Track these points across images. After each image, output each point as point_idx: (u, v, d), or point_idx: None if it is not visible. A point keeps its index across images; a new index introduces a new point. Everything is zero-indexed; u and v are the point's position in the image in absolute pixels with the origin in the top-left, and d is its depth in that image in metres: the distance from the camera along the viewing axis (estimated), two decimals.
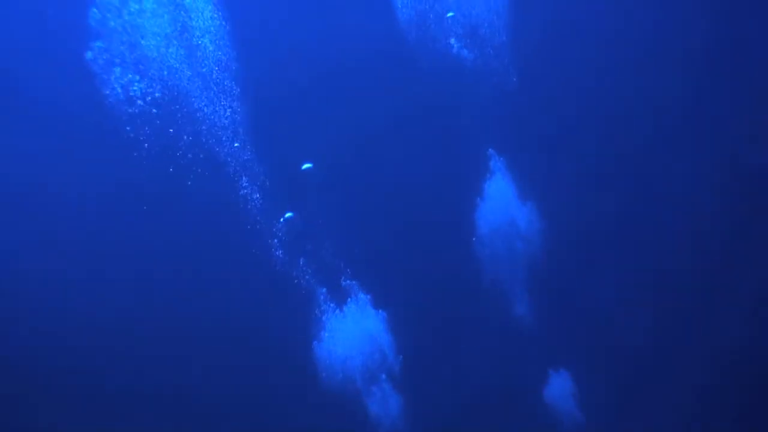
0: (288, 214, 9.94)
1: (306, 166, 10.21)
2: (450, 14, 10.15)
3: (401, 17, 10.13)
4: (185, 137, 9.54)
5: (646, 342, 9.88)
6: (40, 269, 9.70)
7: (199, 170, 9.61)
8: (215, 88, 9.70)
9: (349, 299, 9.89)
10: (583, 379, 9.49)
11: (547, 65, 10.17)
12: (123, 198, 9.92)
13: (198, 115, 9.64)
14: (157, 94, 9.39)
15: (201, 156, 9.60)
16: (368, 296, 9.90)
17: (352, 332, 9.72)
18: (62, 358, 9.55)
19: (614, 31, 10.16)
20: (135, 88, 9.34)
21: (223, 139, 9.78)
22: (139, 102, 9.32)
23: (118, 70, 9.27)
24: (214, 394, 9.89)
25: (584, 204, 10.10)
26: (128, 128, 9.33)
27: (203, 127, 9.66)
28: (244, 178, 9.84)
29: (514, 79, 9.99)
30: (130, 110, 9.31)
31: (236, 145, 9.78)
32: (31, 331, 9.63)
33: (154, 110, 9.37)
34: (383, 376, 9.58)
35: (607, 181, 10.27)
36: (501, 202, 9.99)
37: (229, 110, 9.79)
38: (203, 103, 9.67)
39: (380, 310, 9.85)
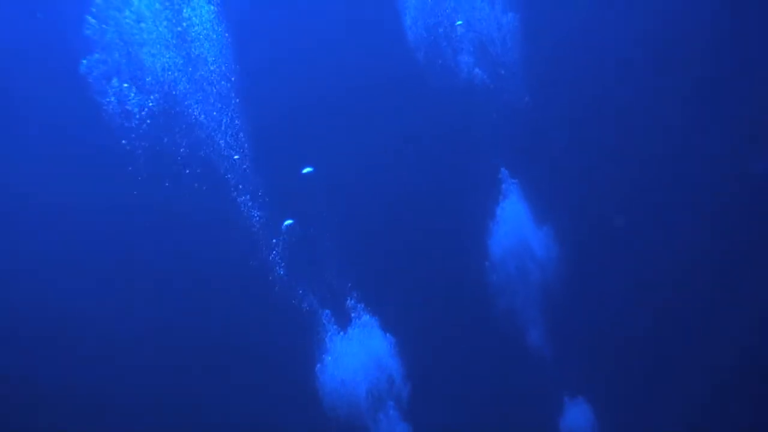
0: (288, 221, 9.66)
1: (307, 170, 9.93)
2: (459, 23, 9.98)
3: (410, 36, 9.97)
4: (182, 150, 9.29)
5: (666, 369, 9.67)
6: (34, 283, 9.47)
7: (196, 185, 9.37)
8: (215, 99, 9.46)
9: (354, 322, 9.56)
10: (600, 408, 9.19)
11: (559, 83, 10.05)
12: (120, 213, 9.72)
13: (197, 126, 9.38)
14: (152, 104, 9.14)
15: (198, 170, 9.36)
16: (375, 319, 9.59)
17: (357, 356, 9.40)
18: (55, 377, 9.39)
19: (627, 47, 10.09)
20: (132, 99, 9.10)
21: (223, 151, 9.52)
22: (136, 114, 9.08)
23: (114, 80, 9.05)
24: (212, 421, 9.61)
25: (599, 225, 9.94)
26: (124, 141, 9.11)
27: (202, 140, 9.41)
28: (244, 192, 9.55)
29: (527, 98, 9.83)
30: (126, 123, 9.09)
31: (236, 157, 9.49)
32: (33, 348, 9.48)
33: (151, 122, 9.12)
34: (390, 403, 9.25)
35: (621, 200, 10.09)
36: (515, 226, 9.77)
37: (229, 122, 9.52)
38: (202, 115, 9.42)
39: (388, 334, 9.53)
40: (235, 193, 9.55)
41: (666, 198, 10.04)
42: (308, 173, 9.90)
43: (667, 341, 9.73)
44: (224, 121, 9.48)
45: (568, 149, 10.04)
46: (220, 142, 9.48)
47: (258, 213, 9.57)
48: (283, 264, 9.56)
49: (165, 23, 9.18)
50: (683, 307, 9.76)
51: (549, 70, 9.91)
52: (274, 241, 9.56)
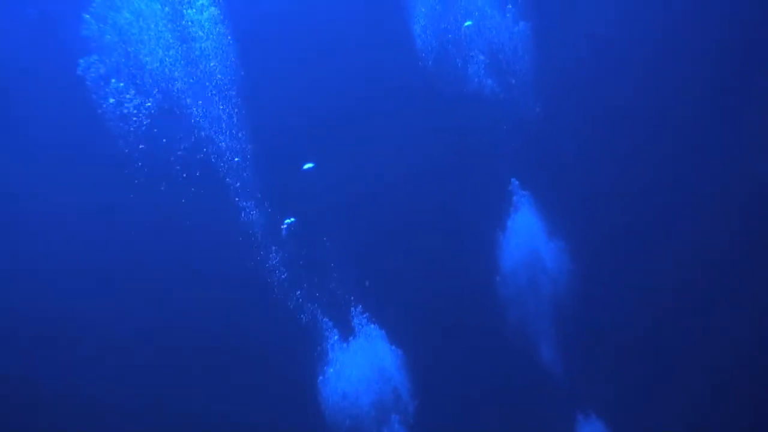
0: (289, 220, 9.47)
1: (308, 165, 9.72)
2: (468, 23, 9.85)
3: (419, 45, 9.87)
4: (180, 153, 9.10)
5: (681, 386, 9.37)
6: (32, 283, 9.28)
7: (193, 189, 9.19)
8: (216, 101, 9.27)
9: (360, 333, 9.35)
10: (614, 425, 8.94)
11: (570, 92, 9.92)
12: (118, 215, 9.51)
13: (197, 128, 9.20)
14: (149, 103, 8.97)
15: (197, 173, 9.16)
16: (381, 330, 9.37)
17: (362, 368, 9.15)
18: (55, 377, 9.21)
19: (639, 54, 10.01)
20: (129, 103, 8.94)
21: (224, 154, 9.33)
22: (134, 117, 8.92)
23: (112, 82, 8.87)
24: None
25: (611, 237, 9.75)
26: (120, 143, 8.94)
27: (202, 142, 9.24)
28: (245, 197, 9.36)
29: (538, 108, 9.73)
30: (125, 125, 8.93)
31: (236, 159, 9.28)
32: (32, 348, 9.30)
33: (150, 123, 8.97)
34: (395, 418, 8.97)
35: (634, 210, 9.91)
36: (526, 238, 9.61)
37: (230, 124, 9.31)
38: (202, 117, 9.23)
39: (394, 347, 9.30)
40: (237, 198, 9.36)
41: (680, 208, 9.83)
42: (309, 169, 9.72)
43: (682, 350, 9.47)
44: (227, 124, 9.33)
45: (579, 160, 9.89)
46: (222, 144, 9.31)
47: (260, 218, 9.37)
48: (285, 271, 9.35)
49: (165, 23, 9.06)
50: (696, 314, 9.53)
51: (560, 79, 9.83)
52: (274, 248, 9.35)
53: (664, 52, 9.92)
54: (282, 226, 9.44)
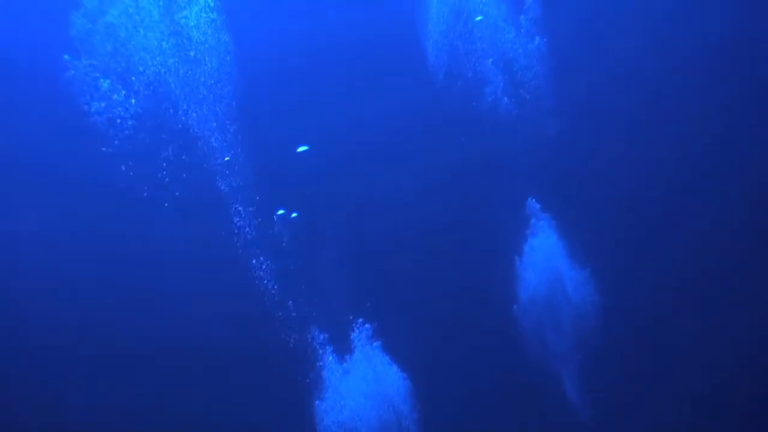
0: (280, 212, 9.15)
1: (302, 148, 9.42)
2: (479, 18, 9.57)
3: (432, 62, 9.63)
4: (168, 154, 8.78)
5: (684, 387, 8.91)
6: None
7: (177, 193, 8.86)
8: (207, 100, 8.95)
9: (364, 358, 8.93)
10: None
11: (587, 110, 9.62)
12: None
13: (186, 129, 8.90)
14: (132, 100, 8.65)
15: (184, 175, 8.83)
16: (387, 357, 8.96)
17: (364, 395, 8.70)
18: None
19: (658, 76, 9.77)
20: (118, 106, 8.63)
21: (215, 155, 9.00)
22: (119, 119, 8.63)
23: (102, 83, 8.58)
24: None
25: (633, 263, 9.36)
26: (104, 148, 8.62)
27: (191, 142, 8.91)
28: (236, 202, 9.01)
29: (552, 126, 9.43)
30: (114, 129, 8.64)
31: (226, 158, 8.97)
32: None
33: (137, 125, 8.65)
34: None
35: (661, 232, 9.51)
36: (547, 266, 9.20)
37: (220, 125, 9.00)
38: (192, 117, 8.91)
39: (403, 373, 8.88)
40: (228, 202, 9.02)
41: (710, 230, 9.38)
42: (303, 152, 9.43)
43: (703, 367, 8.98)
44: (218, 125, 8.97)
45: (598, 178, 9.57)
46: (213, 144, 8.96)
47: (252, 228, 9.01)
48: (278, 284, 8.90)
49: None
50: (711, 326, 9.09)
51: (578, 95, 9.54)
52: (263, 257, 8.97)
53: (684, 68, 9.68)
54: (276, 214, 9.11)
